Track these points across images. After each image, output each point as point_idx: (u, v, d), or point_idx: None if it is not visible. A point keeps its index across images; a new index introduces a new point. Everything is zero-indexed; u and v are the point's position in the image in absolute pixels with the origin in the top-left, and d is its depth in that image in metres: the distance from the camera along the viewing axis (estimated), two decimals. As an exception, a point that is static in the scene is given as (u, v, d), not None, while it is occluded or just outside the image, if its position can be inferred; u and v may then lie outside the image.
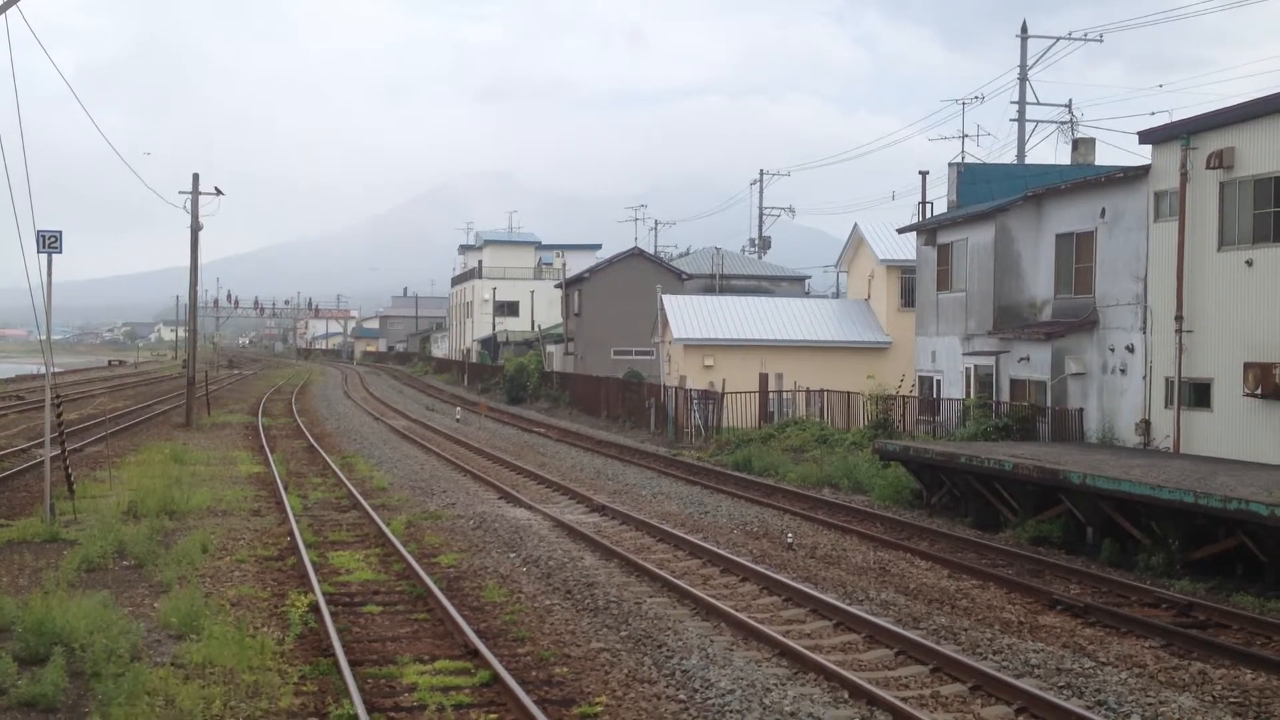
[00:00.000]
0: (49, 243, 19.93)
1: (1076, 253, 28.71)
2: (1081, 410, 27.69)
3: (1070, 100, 49.44)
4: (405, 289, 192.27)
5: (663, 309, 50.43)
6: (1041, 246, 30.29)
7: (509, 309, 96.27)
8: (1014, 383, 30.21)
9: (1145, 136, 26.07)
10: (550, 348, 75.03)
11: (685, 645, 13.08)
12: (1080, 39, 48.78)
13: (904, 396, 34.37)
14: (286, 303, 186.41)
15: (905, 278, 45.99)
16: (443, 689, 11.39)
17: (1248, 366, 22.30)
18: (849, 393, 37.59)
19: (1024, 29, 48.87)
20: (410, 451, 36.64)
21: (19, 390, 62.37)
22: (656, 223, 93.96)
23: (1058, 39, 48.85)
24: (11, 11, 18.72)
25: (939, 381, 35.02)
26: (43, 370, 25.14)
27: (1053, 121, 49.72)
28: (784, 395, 43.03)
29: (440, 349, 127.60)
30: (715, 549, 18.92)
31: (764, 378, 43.74)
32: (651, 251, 77.56)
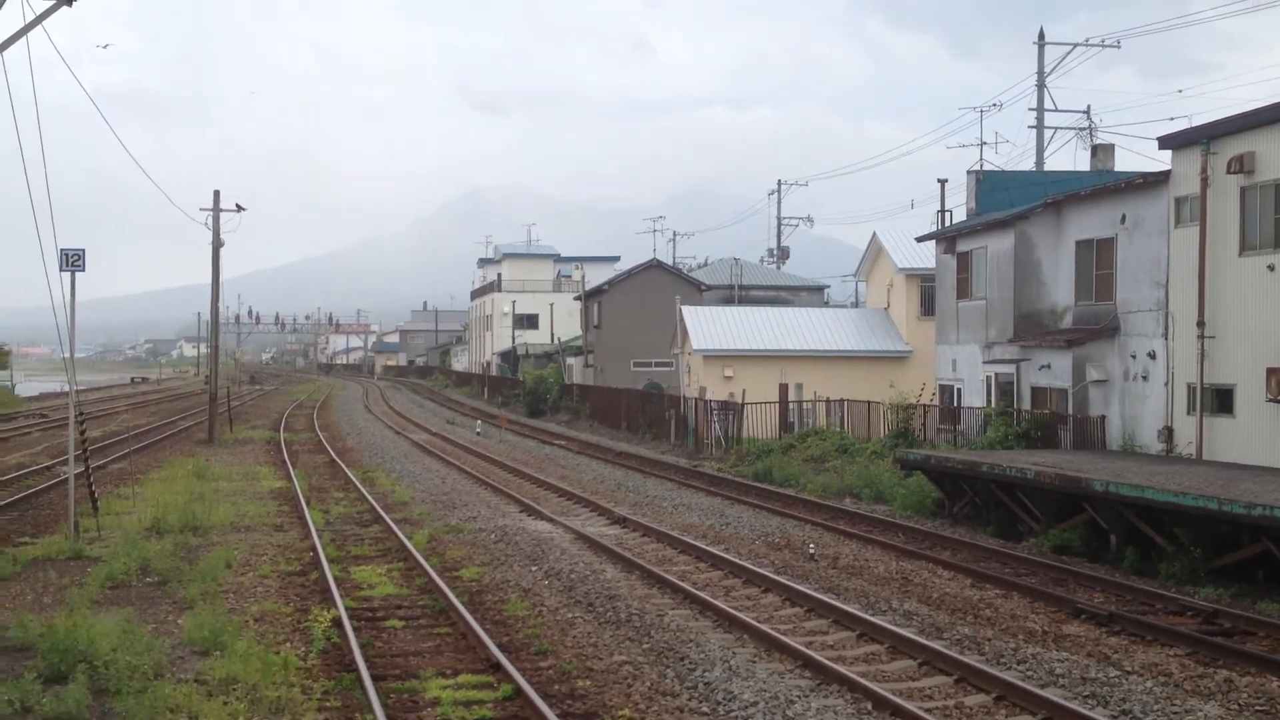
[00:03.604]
0: (72, 261, 20.05)
1: (1097, 259, 28.60)
2: (1103, 417, 27.55)
3: (1089, 106, 49.38)
4: (425, 303, 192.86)
5: (682, 320, 50.44)
6: (1062, 253, 30.20)
7: (528, 322, 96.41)
8: (1035, 390, 30.09)
9: (1165, 142, 25.97)
10: (570, 360, 75.09)
11: (708, 657, 13.06)
12: (1098, 45, 48.70)
13: (924, 405, 34.27)
14: (307, 318, 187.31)
15: (925, 286, 45.90)
16: (465, 703, 11.40)
17: (1270, 372, 22.16)
18: (869, 402, 37.50)
19: (1041, 36, 48.84)
20: (431, 465, 36.71)
21: (43, 408, 62.78)
22: (675, 234, 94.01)
23: (1074, 45, 48.81)
24: (36, 31, 18.90)
25: (959, 390, 34.92)
26: (66, 388, 25.30)
27: (1071, 128, 49.64)
28: (804, 405, 42.96)
29: (460, 362, 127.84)
30: (737, 560, 18.89)
31: (784, 388, 43.68)
32: (670, 263, 77.59)
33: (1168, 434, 25.36)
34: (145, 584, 17.06)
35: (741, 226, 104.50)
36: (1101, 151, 38.34)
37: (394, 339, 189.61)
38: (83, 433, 22.87)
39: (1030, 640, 14.15)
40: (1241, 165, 23.09)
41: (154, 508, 23.54)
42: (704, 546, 20.27)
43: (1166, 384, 25.57)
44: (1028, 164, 50.13)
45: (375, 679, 11.90)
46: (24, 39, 18.85)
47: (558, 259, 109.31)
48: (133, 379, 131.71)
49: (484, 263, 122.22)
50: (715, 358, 46.97)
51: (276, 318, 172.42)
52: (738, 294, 64.94)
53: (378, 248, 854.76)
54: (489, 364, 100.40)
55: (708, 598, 15.97)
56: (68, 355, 21.02)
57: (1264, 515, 15.81)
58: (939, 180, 46.02)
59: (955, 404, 34.57)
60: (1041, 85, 48.25)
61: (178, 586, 16.62)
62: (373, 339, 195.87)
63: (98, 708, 11.08)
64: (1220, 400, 23.99)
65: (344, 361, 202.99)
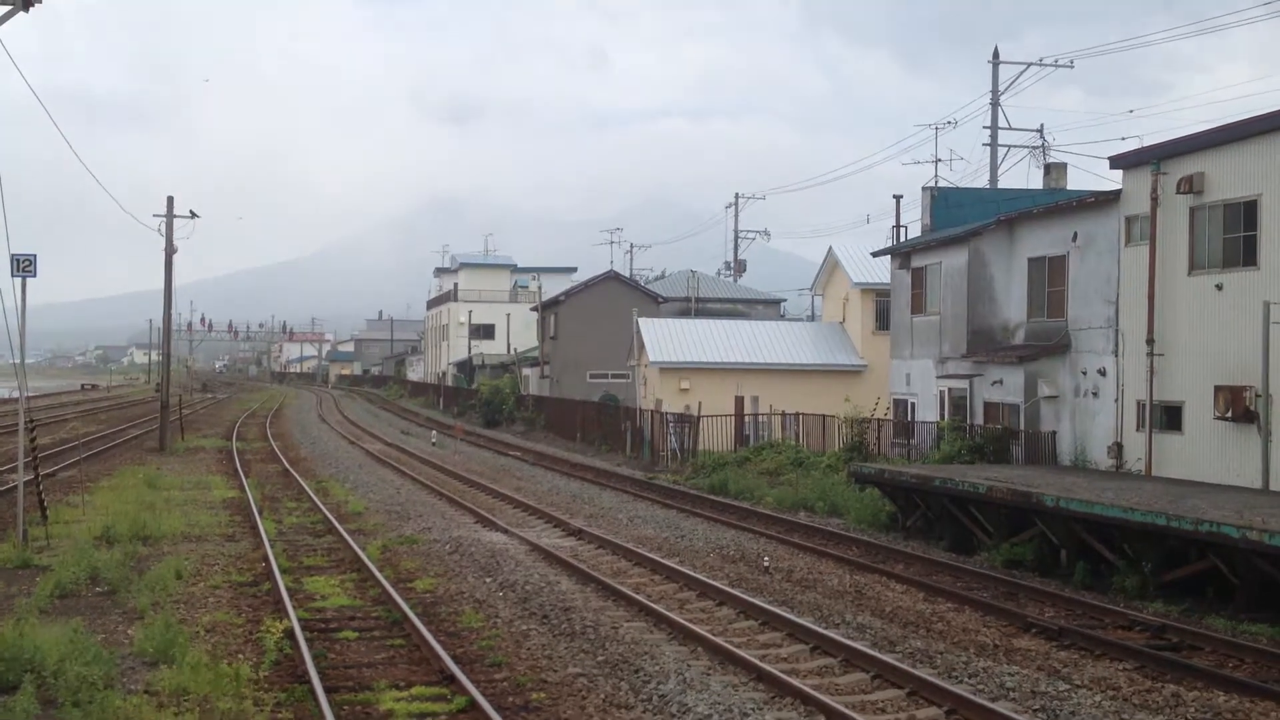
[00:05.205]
0: (23, 266, 19.82)
1: (1049, 276, 28.93)
2: (1054, 433, 27.85)
3: (1042, 125, 49.92)
4: (380, 312, 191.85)
5: (639, 332, 50.52)
6: (1014, 270, 30.52)
7: (485, 332, 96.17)
8: (987, 405, 30.37)
9: (1116, 161, 26.32)
10: (526, 371, 74.97)
11: (662, 670, 13.08)
12: (1051, 65, 49.26)
13: (879, 419, 34.49)
14: (260, 326, 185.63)
15: (880, 301, 46.22)
16: (419, 715, 11.36)
17: (1218, 389, 22.50)
18: (824, 416, 37.70)
19: (995, 55, 49.32)
20: (386, 476, 36.52)
21: (-10, 414, 61.84)
22: (632, 245, 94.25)
23: (1028, 65, 49.35)
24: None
25: (913, 404, 35.17)
26: (13, 394, 25.00)
27: (1024, 146, 50.18)
28: (760, 418, 43.10)
29: (415, 372, 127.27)
30: (692, 573, 18.93)
31: (739, 401, 43.80)
32: (627, 274, 77.70)
33: (1118, 450, 25.66)
34: (95, 594, 16.87)
35: (699, 239, 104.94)
36: (1055, 170, 38.79)
37: (349, 348, 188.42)
38: (32, 440, 22.59)
39: (982, 654, 14.27)
40: (1191, 186, 23.44)
41: (104, 516, 23.28)
42: (659, 559, 20.30)
43: (1116, 400, 25.88)
44: (982, 181, 50.67)
45: (328, 690, 11.83)
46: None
47: (514, 269, 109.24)
48: (83, 386, 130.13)
49: (440, 272, 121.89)
50: (671, 370, 47.07)
51: (229, 325, 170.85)
52: (694, 306, 65.13)
53: (333, 256, 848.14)
54: (445, 374, 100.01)
55: (663, 610, 15.99)
56: (18, 361, 20.76)
57: (1211, 531, 16.04)
58: (894, 196, 46.49)
59: (909, 418, 34.81)
60: (995, 103, 48.74)
61: (128, 596, 16.44)
62: (327, 348, 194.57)
63: (46, 718, 10.95)
64: (1169, 417, 24.31)
65: (298, 370, 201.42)
